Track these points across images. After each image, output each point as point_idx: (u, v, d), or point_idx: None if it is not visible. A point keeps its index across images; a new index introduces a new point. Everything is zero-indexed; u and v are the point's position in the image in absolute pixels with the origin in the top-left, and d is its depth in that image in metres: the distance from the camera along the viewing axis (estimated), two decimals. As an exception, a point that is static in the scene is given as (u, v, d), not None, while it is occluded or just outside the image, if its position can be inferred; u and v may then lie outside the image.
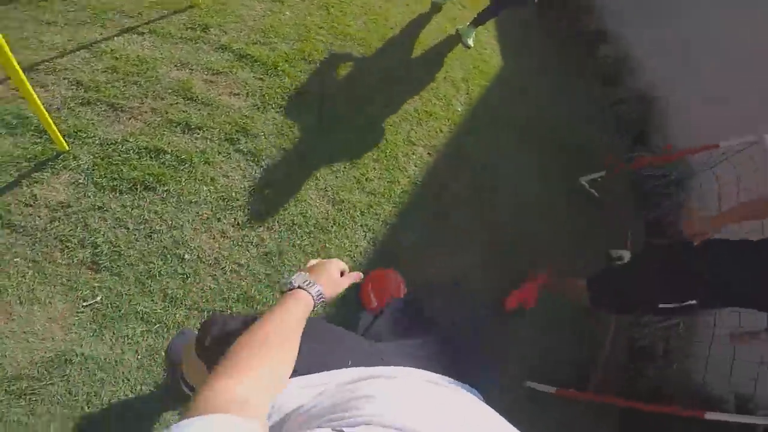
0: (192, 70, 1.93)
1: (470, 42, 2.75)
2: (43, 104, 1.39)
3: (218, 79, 1.95)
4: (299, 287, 0.66)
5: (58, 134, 1.51)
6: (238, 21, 2.20)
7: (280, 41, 2.20)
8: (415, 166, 2.20)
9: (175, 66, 1.92)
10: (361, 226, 1.93)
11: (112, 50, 1.87)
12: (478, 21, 2.67)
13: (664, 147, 2.56)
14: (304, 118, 2.03)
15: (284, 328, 0.58)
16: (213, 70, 1.96)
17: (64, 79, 1.74)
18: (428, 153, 2.29)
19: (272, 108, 1.96)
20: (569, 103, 3.01)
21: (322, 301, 0.68)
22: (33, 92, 1.32)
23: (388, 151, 2.15)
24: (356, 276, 0.79)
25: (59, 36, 1.84)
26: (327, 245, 1.83)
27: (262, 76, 2.02)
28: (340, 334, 0.86)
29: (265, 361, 0.51)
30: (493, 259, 2.15)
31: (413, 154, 2.23)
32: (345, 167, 1.96)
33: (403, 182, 2.12)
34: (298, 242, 1.79)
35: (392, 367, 0.67)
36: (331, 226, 1.86)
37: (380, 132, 2.19)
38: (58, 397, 1.32)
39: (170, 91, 1.84)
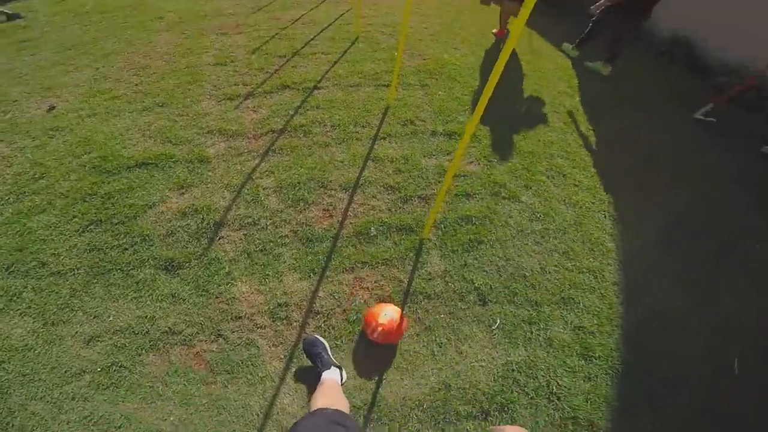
0: (436, 157, 2.59)
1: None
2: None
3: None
4: None
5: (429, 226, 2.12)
6: (418, 107, 2.88)
7: (457, 115, 2.90)
8: None
9: (424, 156, 2.56)
10: None
11: (383, 156, 2.47)
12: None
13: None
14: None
15: None
16: (446, 151, 2.64)
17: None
18: None
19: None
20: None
21: None
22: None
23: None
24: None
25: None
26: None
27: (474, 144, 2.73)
28: None
29: None
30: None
31: None
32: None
33: None
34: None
35: None
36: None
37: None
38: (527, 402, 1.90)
39: (435, 174, 2.48)
